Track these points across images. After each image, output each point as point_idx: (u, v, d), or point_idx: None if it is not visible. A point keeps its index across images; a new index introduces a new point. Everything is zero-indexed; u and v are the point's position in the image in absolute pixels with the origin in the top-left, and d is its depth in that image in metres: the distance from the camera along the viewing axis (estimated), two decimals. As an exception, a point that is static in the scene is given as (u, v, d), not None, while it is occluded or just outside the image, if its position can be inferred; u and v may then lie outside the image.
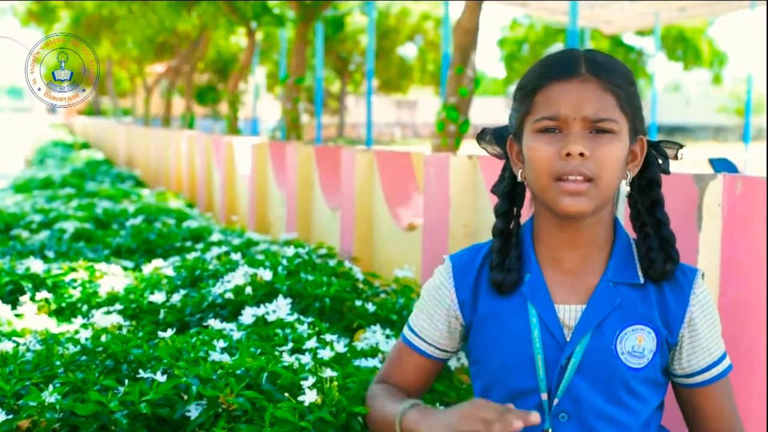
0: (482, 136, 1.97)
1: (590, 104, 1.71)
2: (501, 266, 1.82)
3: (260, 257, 4.76)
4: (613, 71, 1.75)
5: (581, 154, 1.69)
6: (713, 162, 8.36)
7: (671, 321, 1.81)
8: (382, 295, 4.35)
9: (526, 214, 1.90)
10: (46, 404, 2.43)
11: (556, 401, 1.77)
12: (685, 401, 1.89)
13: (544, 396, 1.78)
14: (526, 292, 1.80)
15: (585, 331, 1.77)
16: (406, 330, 2.00)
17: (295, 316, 3.47)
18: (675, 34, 38.93)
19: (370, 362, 3.07)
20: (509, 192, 1.88)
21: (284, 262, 4.38)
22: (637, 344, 1.78)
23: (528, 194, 1.87)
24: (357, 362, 3.04)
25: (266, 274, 3.94)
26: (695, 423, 1.89)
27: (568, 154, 1.70)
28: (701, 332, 1.82)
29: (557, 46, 40.33)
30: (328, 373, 2.51)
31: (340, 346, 3.09)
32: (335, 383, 2.46)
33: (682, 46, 39.83)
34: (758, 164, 17.99)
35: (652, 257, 1.80)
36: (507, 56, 43.92)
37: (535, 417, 1.60)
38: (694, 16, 17.64)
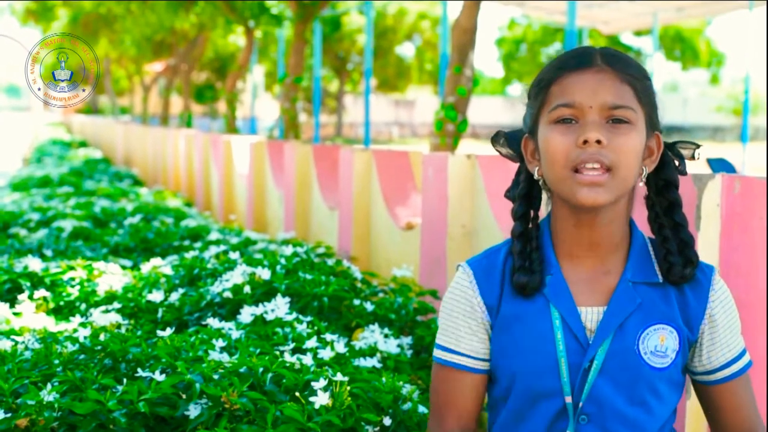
0: (496, 138, 1.95)
1: (608, 92, 1.70)
2: (523, 268, 1.80)
3: (258, 256, 4.76)
4: (628, 64, 1.75)
5: (598, 142, 1.68)
6: (711, 162, 8.37)
7: (692, 318, 1.81)
8: (381, 295, 4.35)
9: (541, 213, 1.90)
10: (44, 403, 2.43)
11: (580, 404, 1.76)
12: (706, 399, 1.88)
13: (568, 399, 1.77)
14: (548, 294, 1.78)
15: (607, 333, 1.76)
16: (442, 354, 1.87)
17: (294, 315, 3.47)
18: (673, 34, 38.97)
19: (369, 362, 3.07)
20: (526, 194, 1.87)
21: (282, 261, 4.39)
22: (659, 344, 1.77)
23: (544, 196, 1.86)
24: (356, 362, 3.04)
25: (265, 273, 3.94)
26: (716, 420, 1.89)
27: (585, 142, 1.68)
28: (721, 328, 1.82)
29: (555, 46, 40.35)
30: (338, 376, 2.51)
31: (341, 346, 3.09)
32: (347, 388, 2.46)
33: (680, 46, 39.86)
34: (756, 164, 18.00)
35: (671, 261, 1.79)
36: (505, 56, 43.94)
37: None
38: (692, 16, 17.65)
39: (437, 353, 1.89)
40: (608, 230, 1.79)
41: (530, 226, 1.86)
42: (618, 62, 1.75)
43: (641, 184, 1.83)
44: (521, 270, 1.81)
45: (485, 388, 1.90)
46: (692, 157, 1.88)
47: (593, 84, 1.72)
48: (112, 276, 4.44)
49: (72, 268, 4.53)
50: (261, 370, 2.66)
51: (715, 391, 1.87)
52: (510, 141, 1.92)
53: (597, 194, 1.70)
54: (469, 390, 1.87)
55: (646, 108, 1.75)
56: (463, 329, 1.86)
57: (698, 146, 1.88)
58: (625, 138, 1.70)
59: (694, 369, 1.86)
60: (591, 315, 1.79)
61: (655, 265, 1.82)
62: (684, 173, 1.87)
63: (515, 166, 1.94)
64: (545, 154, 1.75)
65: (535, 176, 1.82)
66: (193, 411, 2.49)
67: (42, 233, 6.78)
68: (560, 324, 1.78)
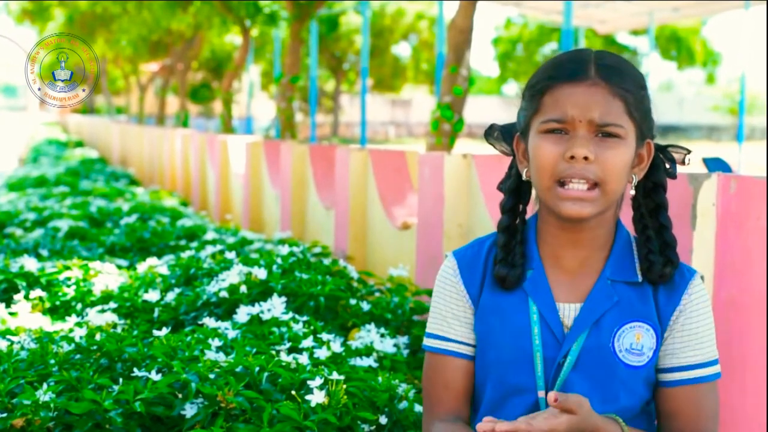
0: (490, 132, 1.96)
1: (597, 108, 1.70)
2: (505, 261, 1.82)
3: (255, 256, 4.76)
4: (623, 75, 1.74)
5: (585, 158, 1.69)
6: (707, 161, 8.37)
7: (662, 316, 1.80)
8: (377, 294, 4.35)
9: (530, 210, 1.90)
10: (40, 403, 2.43)
11: None
12: (661, 402, 1.83)
13: (542, 393, 1.78)
14: (527, 289, 1.80)
15: (582, 328, 1.77)
16: (432, 342, 1.90)
17: (290, 314, 3.47)
18: (669, 34, 38.99)
19: (365, 361, 3.07)
20: (515, 189, 1.88)
21: (279, 260, 4.38)
22: (635, 341, 1.78)
23: (534, 192, 1.87)
24: (352, 361, 3.04)
25: (261, 273, 3.94)
26: (667, 429, 1.83)
27: (572, 157, 1.70)
28: (686, 330, 1.80)
29: (551, 46, 40.37)
30: (334, 375, 2.52)
31: (337, 346, 3.09)
32: (343, 386, 2.46)
33: (676, 46, 39.89)
34: (752, 164, 18.03)
35: (651, 260, 1.79)
36: (501, 55, 43.96)
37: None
38: (688, 15, 17.65)
39: (427, 341, 1.92)
40: (593, 234, 1.80)
41: (517, 220, 1.87)
42: (612, 75, 1.74)
43: (631, 191, 1.83)
44: (503, 262, 1.82)
45: (474, 372, 1.90)
46: (683, 162, 1.89)
47: (585, 99, 1.72)
48: (108, 276, 4.44)
49: (68, 267, 4.52)
50: (257, 369, 2.66)
51: (670, 395, 1.82)
52: (504, 134, 1.93)
53: (582, 207, 1.71)
54: (460, 375, 1.89)
55: (637, 121, 1.75)
56: (450, 316, 1.88)
57: (689, 151, 1.88)
58: (612, 152, 1.71)
59: (659, 365, 1.83)
60: (569, 311, 1.80)
61: (636, 265, 1.82)
62: (674, 177, 1.87)
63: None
64: (533, 162, 1.76)
65: (524, 177, 1.83)
66: (189, 410, 2.48)
67: (38, 233, 6.77)
68: (538, 318, 1.79)
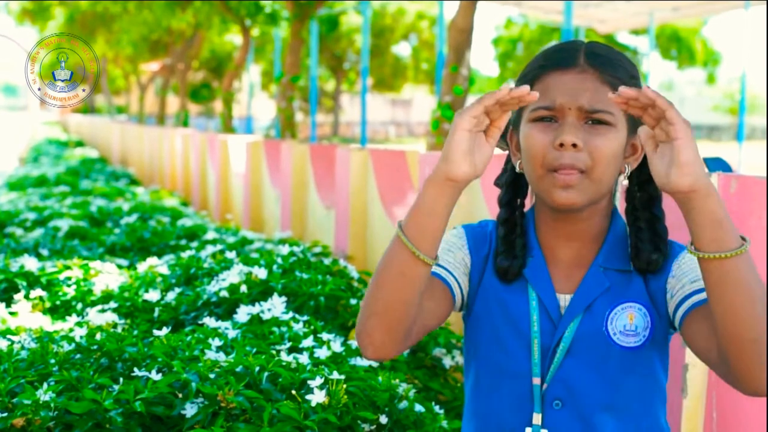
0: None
1: (586, 94, 1.71)
2: (506, 253, 1.82)
3: (255, 256, 4.76)
4: (613, 64, 1.75)
5: (574, 145, 1.69)
6: (707, 161, 8.35)
7: (655, 296, 1.78)
8: (377, 294, 4.34)
9: (527, 204, 1.91)
10: (40, 402, 2.43)
11: (545, 386, 1.77)
12: (687, 337, 1.71)
13: (536, 381, 1.77)
14: (527, 275, 1.80)
15: (574, 315, 1.77)
16: None
17: (290, 314, 3.47)
18: (669, 34, 38.97)
19: (366, 361, 3.07)
20: (511, 182, 1.89)
21: (279, 260, 4.38)
22: (628, 322, 1.77)
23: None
24: (352, 361, 3.04)
25: (261, 273, 3.94)
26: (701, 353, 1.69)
27: (561, 145, 1.70)
28: (686, 270, 1.73)
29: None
30: (334, 375, 2.52)
31: (337, 345, 3.09)
32: (343, 386, 2.47)
33: (676, 46, 39.88)
34: (752, 163, 18.04)
35: (639, 247, 1.79)
36: (501, 55, 43.95)
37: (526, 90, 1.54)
38: (688, 15, 17.64)
39: None
40: (586, 225, 1.80)
41: (516, 213, 1.87)
42: (602, 62, 1.74)
43: (624, 181, 1.83)
44: (503, 254, 1.82)
45: (441, 306, 1.79)
46: None
47: (573, 86, 1.72)
48: (109, 275, 4.44)
49: (68, 267, 4.52)
50: (257, 369, 2.66)
51: (693, 320, 1.69)
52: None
53: (570, 195, 1.71)
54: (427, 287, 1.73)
55: None
56: (448, 249, 1.83)
57: None
58: (602, 139, 1.71)
59: (673, 312, 1.74)
60: (564, 301, 1.80)
61: (630, 255, 1.82)
62: None
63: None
64: (524, 152, 1.77)
65: (517, 169, 1.84)
66: (190, 410, 2.48)
67: (38, 233, 6.77)
68: (536, 305, 1.79)
